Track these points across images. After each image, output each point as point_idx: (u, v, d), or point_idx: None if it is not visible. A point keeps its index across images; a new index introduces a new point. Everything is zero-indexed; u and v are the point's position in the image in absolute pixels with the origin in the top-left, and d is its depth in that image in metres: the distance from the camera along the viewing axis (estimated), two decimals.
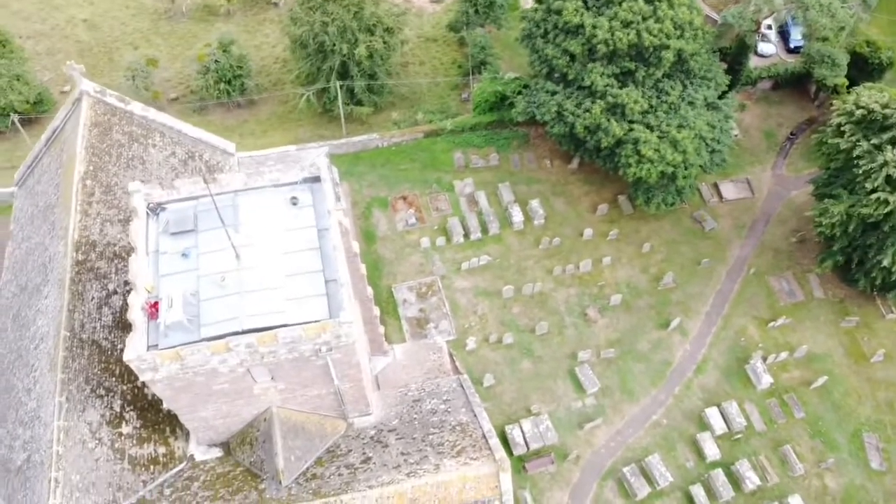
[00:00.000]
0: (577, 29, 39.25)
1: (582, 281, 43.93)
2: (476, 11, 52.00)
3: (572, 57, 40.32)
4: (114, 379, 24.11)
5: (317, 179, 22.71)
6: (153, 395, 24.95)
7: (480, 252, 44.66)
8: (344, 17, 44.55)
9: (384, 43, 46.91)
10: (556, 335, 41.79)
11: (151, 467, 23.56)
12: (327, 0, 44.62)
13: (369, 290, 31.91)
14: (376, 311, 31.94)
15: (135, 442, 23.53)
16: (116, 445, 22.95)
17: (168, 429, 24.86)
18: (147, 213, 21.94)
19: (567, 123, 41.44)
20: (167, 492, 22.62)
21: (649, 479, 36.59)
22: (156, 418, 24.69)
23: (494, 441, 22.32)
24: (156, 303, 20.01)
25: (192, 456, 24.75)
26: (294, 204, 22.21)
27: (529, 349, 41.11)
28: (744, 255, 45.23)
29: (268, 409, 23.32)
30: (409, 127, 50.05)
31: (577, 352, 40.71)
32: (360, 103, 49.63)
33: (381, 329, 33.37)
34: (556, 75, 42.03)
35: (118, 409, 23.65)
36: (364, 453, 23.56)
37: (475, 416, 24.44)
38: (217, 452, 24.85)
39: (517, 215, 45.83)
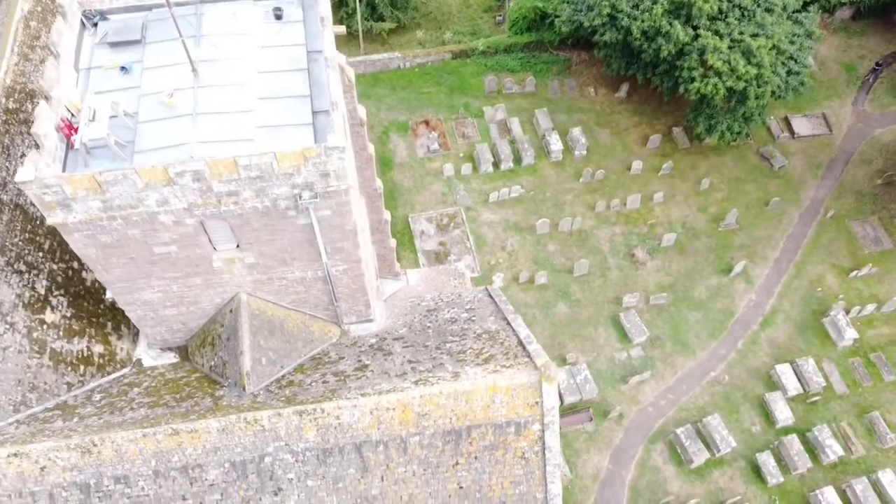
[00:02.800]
0: None
1: (629, 219, 37.81)
2: None
3: None
4: (41, 254, 18.64)
5: None
6: (93, 281, 19.45)
7: (512, 183, 38.75)
8: None
9: None
10: (597, 277, 35.75)
11: (82, 368, 18.07)
12: None
13: (386, 214, 26.24)
14: (386, 214, 26.19)
15: (61, 334, 18.04)
16: (35, 335, 17.47)
17: (111, 324, 19.38)
18: (81, 22, 16.37)
19: (620, 28, 35.28)
20: (97, 397, 17.08)
21: (707, 443, 30.48)
22: (94, 310, 19.21)
23: (535, 346, 16.47)
24: (75, 125, 14.44)
25: (138, 360, 19.25)
26: (277, 17, 16.50)
27: (566, 291, 35.11)
28: (820, 196, 38.76)
29: (235, 295, 17.71)
30: (436, 47, 44.22)
31: (622, 296, 34.65)
32: (381, 19, 43.92)
33: (393, 244, 27.63)
34: None
35: (42, 292, 18.17)
36: (360, 360, 17.85)
37: (507, 323, 18.61)
38: (172, 357, 19.34)
39: (555, 144, 39.82)
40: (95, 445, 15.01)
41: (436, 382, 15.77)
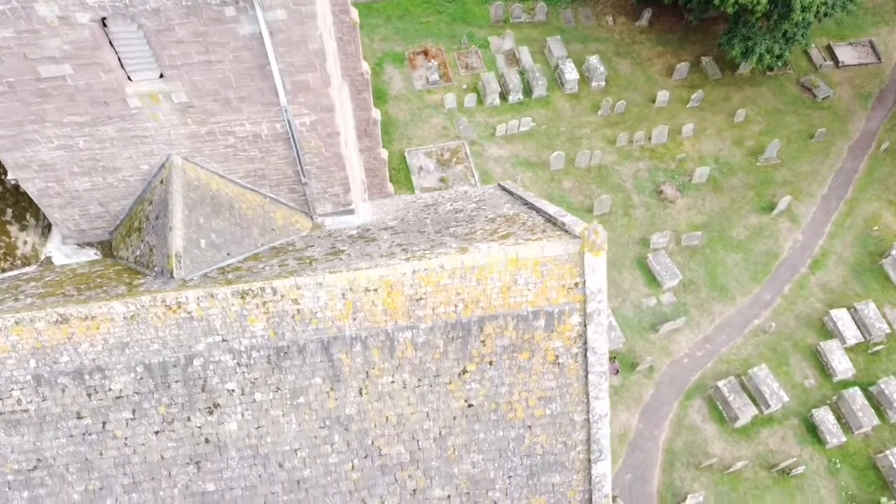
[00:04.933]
0: None
1: (655, 154, 33.31)
2: None
3: None
4: None
5: None
6: None
7: (521, 116, 34.23)
8: None
9: None
10: (620, 216, 31.25)
11: None
12: None
13: (375, 113, 21.84)
14: (376, 113, 21.72)
15: None
16: None
17: (11, 211, 14.87)
18: None
19: None
20: None
21: (754, 398, 26.00)
22: None
23: (570, 218, 11.97)
24: None
25: (48, 258, 14.76)
26: None
27: None
28: (871, 128, 34.24)
29: (167, 159, 13.21)
30: None
31: (650, 236, 30.18)
32: None
33: (384, 155, 23.17)
34: None
35: None
36: (333, 247, 13.34)
37: (529, 206, 14.13)
38: (91, 254, 14.84)
39: (570, 74, 35.28)
40: None
41: (436, 257, 11.26)
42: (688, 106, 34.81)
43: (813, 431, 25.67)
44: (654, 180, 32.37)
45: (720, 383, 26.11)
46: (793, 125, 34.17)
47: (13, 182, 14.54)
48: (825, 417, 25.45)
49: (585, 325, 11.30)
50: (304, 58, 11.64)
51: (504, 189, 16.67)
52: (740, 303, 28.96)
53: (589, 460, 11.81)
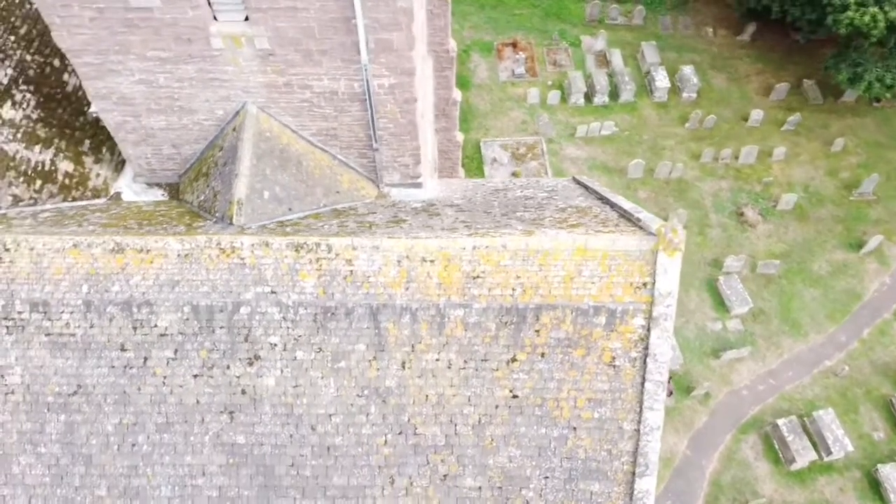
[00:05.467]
0: None
1: (739, 173, 31.76)
2: None
3: None
4: (13, 39, 14.50)
5: None
6: (76, 88, 15.20)
7: (604, 119, 33.22)
8: None
9: None
10: (695, 234, 29.90)
11: (38, 183, 13.81)
12: None
13: (456, 94, 21.44)
14: (456, 94, 21.29)
15: (19, 137, 13.81)
16: None
17: (89, 143, 15.09)
18: None
19: None
20: (44, 215, 12.77)
21: (815, 442, 24.40)
22: (71, 121, 14.96)
23: (645, 215, 11.22)
24: None
25: (117, 194, 14.92)
26: None
27: None
28: None
29: (242, 107, 13.09)
30: None
31: (724, 259, 28.76)
32: None
33: (460, 138, 22.72)
34: None
35: (3, 81, 14.00)
36: (396, 216, 12.96)
37: (603, 201, 13.41)
38: (159, 195, 14.93)
39: (661, 82, 34.02)
40: (7, 250, 10.65)
41: (498, 237, 10.71)
42: (782, 129, 33.06)
43: (875, 488, 23.91)
44: (735, 201, 30.87)
45: (780, 421, 24.63)
46: (894, 161, 32.00)
47: (94, 115, 14.69)
48: (891, 475, 23.66)
49: (649, 329, 10.54)
50: (391, 14, 11.26)
51: (578, 182, 15.97)
52: (813, 340, 27.27)
53: (633, 473, 11.05)
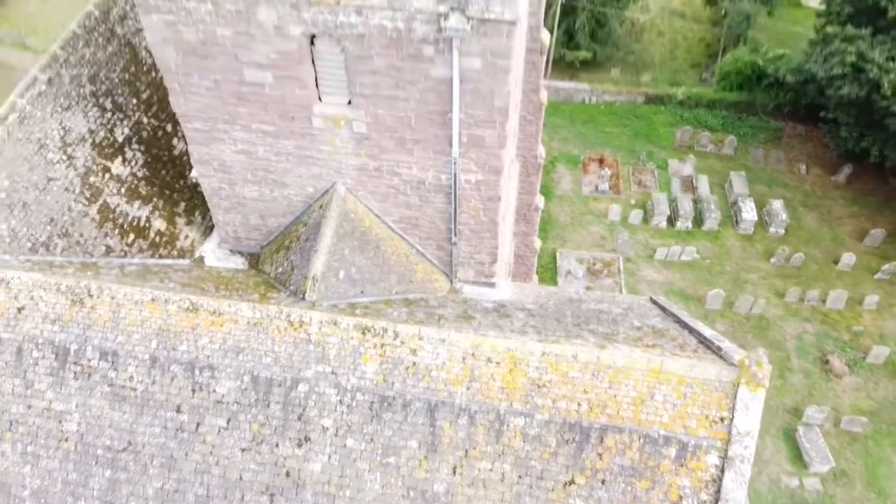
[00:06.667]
0: None
1: (827, 318, 30.18)
2: None
3: None
4: (135, 101, 15.59)
5: None
6: (182, 152, 16.05)
7: (686, 244, 32.60)
8: None
9: None
10: (775, 377, 28.18)
11: (131, 237, 14.39)
12: None
13: (539, 200, 21.68)
14: (539, 200, 21.39)
15: (123, 192, 14.57)
16: (91, 180, 14.11)
17: (184, 205, 15.75)
18: None
19: (865, 83, 28.95)
20: (129, 268, 13.18)
21: None
22: (171, 183, 15.72)
23: (728, 344, 10.57)
24: None
25: (201, 257, 15.35)
26: None
27: None
28: None
29: (331, 186, 13.42)
30: (629, 86, 39.88)
31: (805, 408, 26.90)
32: (576, 48, 40.46)
33: (538, 245, 22.66)
34: (864, 17, 29.93)
35: (119, 139, 14.95)
36: (466, 312, 12.72)
37: (681, 325, 12.82)
38: (240, 262, 15.25)
39: (748, 213, 33.37)
40: (91, 296, 10.93)
41: (569, 345, 10.26)
42: (875, 276, 31.53)
43: None
44: (820, 347, 29.18)
45: None
46: None
47: (194, 180, 15.35)
48: None
49: (723, 470, 9.68)
50: (487, 112, 11.47)
51: (655, 303, 15.42)
52: None
53: None
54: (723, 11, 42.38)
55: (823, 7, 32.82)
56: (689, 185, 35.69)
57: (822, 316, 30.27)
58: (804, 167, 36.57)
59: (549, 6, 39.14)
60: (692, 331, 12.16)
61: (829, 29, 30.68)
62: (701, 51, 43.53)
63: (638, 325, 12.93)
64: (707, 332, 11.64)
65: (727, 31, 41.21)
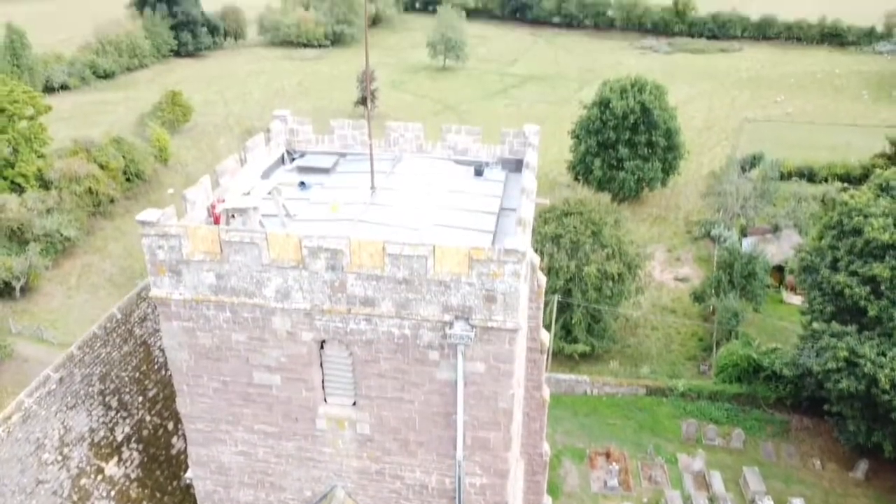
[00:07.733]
0: (884, 250, 29.81)
1: None
2: (730, 282, 44.54)
3: (875, 288, 30.09)
4: (140, 399, 15.74)
5: (518, 165, 15.29)
6: (180, 451, 15.78)
7: None
8: (580, 233, 39.84)
9: (618, 276, 40.59)
10: None
11: None
12: (567, 214, 40.83)
13: (547, 500, 21.17)
14: (547, 500, 20.39)
15: (113, 494, 13.97)
16: (82, 482, 13.66)
17: None
18: (283, 157, 15.83)
19: (862, 377, 29.34)
20: None
21: None
22: (164, 484, 15.17)
23: None
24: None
25: None
26: (478, 174, 14.77)
27: None
28: None
29: (330, 490, 12.90)
30: (629, 378, 40.37)
31: None
32: (574, 341, 41.87)
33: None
34: (846, 315, 31.38)
35: (119, 439, 14.78)
36: None
37: None
38: None
39: None
40: None
41: None
42: None
43: None
44: None
45: None
46: None
47: (188, 482, 14.85)
48: None
49: None
50: (491, 414, 11.51)
51: None
52: None
53: None
54: (711, 308, 44.76)
55: (806, 305, 34.61)
56: (701, 480, 34.16)
57: None
58: (819, 462, 35.35)
59: (545, 303, 41.56)
60: None
61: (816, 325, 32.05)
62: (695, 344, 44.97)
63: None
64: None
65: (718, 326, 43.04)
